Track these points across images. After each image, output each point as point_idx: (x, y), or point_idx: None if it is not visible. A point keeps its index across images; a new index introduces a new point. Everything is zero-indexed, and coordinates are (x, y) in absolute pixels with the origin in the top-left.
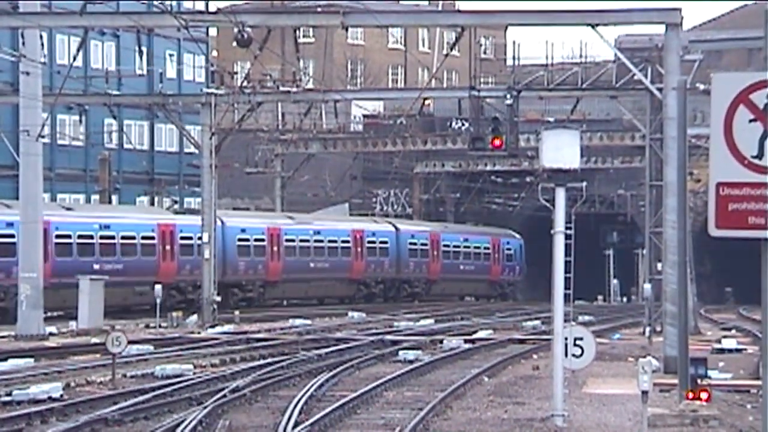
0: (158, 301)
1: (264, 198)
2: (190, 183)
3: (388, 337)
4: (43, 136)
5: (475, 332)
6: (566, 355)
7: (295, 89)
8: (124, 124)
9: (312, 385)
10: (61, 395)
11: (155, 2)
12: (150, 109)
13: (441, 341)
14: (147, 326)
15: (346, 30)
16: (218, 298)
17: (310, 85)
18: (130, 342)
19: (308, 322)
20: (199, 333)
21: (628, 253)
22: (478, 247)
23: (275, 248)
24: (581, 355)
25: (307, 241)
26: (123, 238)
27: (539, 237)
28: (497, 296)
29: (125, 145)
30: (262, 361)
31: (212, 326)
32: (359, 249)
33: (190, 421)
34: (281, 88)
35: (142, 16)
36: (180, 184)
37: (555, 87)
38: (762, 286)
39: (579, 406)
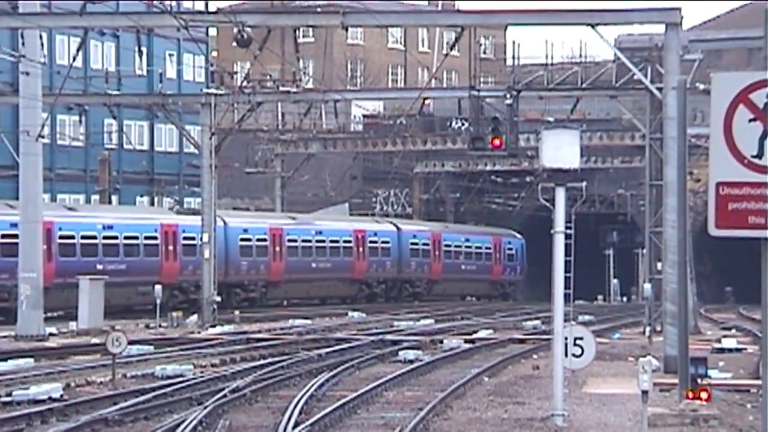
0: (158, 301)
1: (264, 198)
2: (190, 183)
3: (389, 336)
4: (43, 137)
5: (475, 332)
6: (566, 354)
7: (295, 89)
8: (124, 125)
9: (312, 385)
10: (62, 395)
11: (155, 2)
12: (150, 109)
13: (441, 341)
14: (147, 326)
15: (346, 30)
16: (218, 298)
17: (309, 85)
18: (131, 342)
19: (309, 321)
20: (198, 333)
21: (628, 253)
22: (480, 247)
23: (277, 248)
24: (581, 354)
25: (309, 241)
26: (126, 238)
27: (539, 237)
28: (498, 296)
29: (125, 146)
30: (262, 361)
31: (212, 326)
32: (361, 249)
33: (191, 421)
34: (281, 88)
35: (142, 16)
36: (180, 184)
37: (555, 87)
38: (762, 286)
39: (579, 405)
